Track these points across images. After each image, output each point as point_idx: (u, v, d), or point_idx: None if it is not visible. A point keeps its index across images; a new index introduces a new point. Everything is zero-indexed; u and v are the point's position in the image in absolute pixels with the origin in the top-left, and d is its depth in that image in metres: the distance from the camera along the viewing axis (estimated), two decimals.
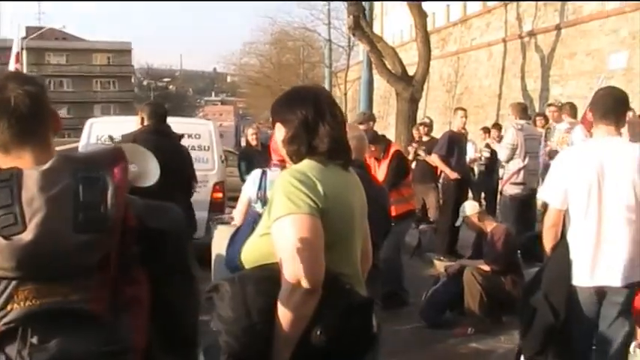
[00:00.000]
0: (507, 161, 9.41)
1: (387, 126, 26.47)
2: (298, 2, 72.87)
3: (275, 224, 2.59)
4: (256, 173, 5.35)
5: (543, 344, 4.39)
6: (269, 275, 2.59)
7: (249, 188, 5.30)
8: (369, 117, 9.18)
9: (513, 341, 6.70)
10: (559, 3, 18.10)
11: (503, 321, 7.28)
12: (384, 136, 8.10)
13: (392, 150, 7.73)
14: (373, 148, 7.68)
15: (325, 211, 2.60)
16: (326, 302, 2.55)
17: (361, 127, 8.34)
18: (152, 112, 6.49)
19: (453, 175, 10.02)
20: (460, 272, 7.24)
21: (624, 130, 4.64)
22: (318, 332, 2.53)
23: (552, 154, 9.83)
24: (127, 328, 1.79)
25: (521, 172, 9.25)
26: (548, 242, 4.41)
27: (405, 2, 18.22)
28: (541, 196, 4.53)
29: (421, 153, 10.49)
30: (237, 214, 5.41)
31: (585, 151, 4.42)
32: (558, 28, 18.03)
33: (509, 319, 7.26)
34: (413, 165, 10.68)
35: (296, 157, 2.78)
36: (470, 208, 7.68)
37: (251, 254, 2.78)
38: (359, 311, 2.67)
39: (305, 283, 2.48)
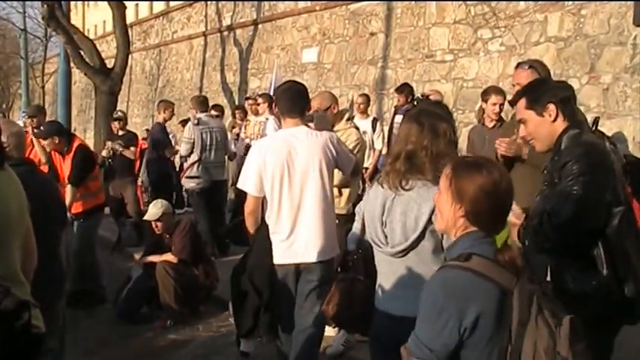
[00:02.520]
0: (188, 155, 9.45)
1: (90, 120, 25.64)
2: None
3: None
4: None
5: (254, 322, 4.86)
6: None
7: None
8: (38, 110, 9.25)
9: (211, 329, 6.87)
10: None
11: (201, 310, 7.39)
12: (68, 130, 7.86)
13: (75, 144, 7.51)
14: (58, 141, 7.53)
15: None
16: None
17: (35, 120, 8.30)
18: None
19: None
20: (153, 266, 7.21)
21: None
22: None
23: (248, 145, 10.14)
24: None
25: (195, 166, 9.33)
26: (250, 227, 4.85)
27: None
28: (239, 185, 4.81)
29: (117, 147, 10.26)
30: None
31: (276, 141, 4.79)
32: (255, 23, 18.64)
33: (206, 308, 7.39)
34: (110, 160, 10.42)
35: None
36: (154, 206, 7.57)
37: None
38: (15, 313, 2.57)
39: None
